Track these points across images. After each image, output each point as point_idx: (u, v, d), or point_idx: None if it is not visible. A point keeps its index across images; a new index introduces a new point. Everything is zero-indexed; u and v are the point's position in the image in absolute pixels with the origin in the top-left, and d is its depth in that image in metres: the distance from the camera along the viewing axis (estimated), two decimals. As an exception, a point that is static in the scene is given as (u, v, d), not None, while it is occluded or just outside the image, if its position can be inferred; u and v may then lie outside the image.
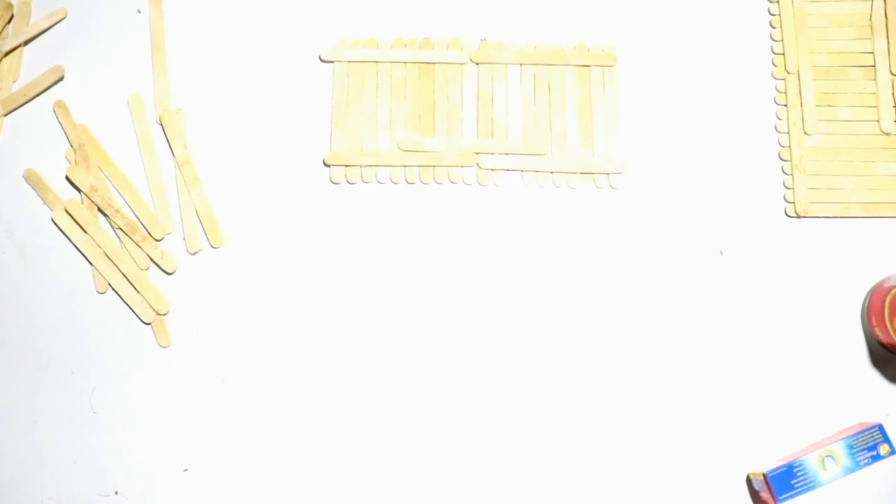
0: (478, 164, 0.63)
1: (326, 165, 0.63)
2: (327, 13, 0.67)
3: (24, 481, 0.59)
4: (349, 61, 0.65)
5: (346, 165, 0.63)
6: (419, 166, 0.63)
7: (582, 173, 0.64)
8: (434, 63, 0.64)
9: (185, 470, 0.60)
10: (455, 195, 0.64)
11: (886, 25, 0.66)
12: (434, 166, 0.63)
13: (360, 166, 0.63)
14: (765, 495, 0.57)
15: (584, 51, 0.65)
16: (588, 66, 0.65)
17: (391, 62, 0.64)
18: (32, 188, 0.63)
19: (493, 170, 0.64)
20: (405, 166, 0.63)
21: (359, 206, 0.63)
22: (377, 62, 0.65)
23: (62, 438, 0.60)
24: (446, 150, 0.64)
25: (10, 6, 0.65)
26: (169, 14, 0.66)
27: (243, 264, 0.62)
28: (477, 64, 0.65)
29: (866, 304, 0.62)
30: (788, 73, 0.66)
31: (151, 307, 0.61)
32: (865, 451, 0.57)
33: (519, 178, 0.64)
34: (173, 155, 0.64)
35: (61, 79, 0.65)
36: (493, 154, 0.64)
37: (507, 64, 0.65)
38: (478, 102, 0.64)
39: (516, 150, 0.64)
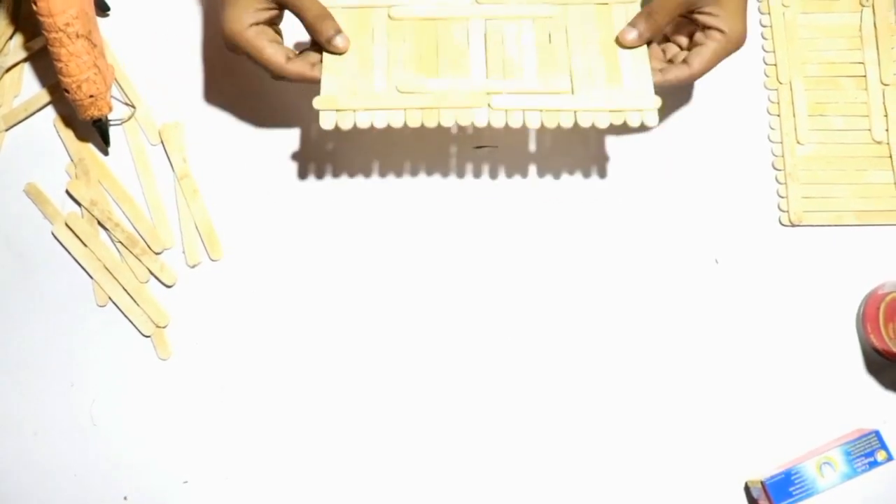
0: (489, 105, 0.56)
1: (315, 110, 0.57)
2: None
3: (24, 493, 0.59)
4: (344, 7, 0.59)
5: (338, 110, 0.56)
6: (422, 108, 0.56)
7: (611, 111, 0.56)
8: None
9: (185, 482, 0.60)
10: (453, 199, 0.64)
11: (876, 36, 0.67)
12: (439, 108, 0.56)
13: (354, 110, 0.56)
14: (763, 503, 0.57)
15: None
16: (608, 3, 0.60)
17: (388, 6, 0.59)
18: (33, 202, 0.64)
19: (507, 110, 0.56)
20: (405, 109, 0.56)
21: (359, 218, 0.64)
22: (373, 7, 0.60)
23: (62, 450, 0.60)
24: (452, 90, 0.57)
25: (12, 23, 0.66)
26: (165, 27, 0.67)
27: (242, 277, 0.63)
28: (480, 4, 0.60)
29: (861, 311, 0.62)
30: (781, 83, 0.67)
31: (151, 320, 0.61)
32: (863, 458, 0.57)
33: (538, 118, 0.56)
34: (172, 168, 0.64)
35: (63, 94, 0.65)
36: (506, 94, 0.57)
37: (517, 2, 0.60)
38: (486, 42, 0.58)
39: (534, 89, 0.57)
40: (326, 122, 0.56)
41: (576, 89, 0.57)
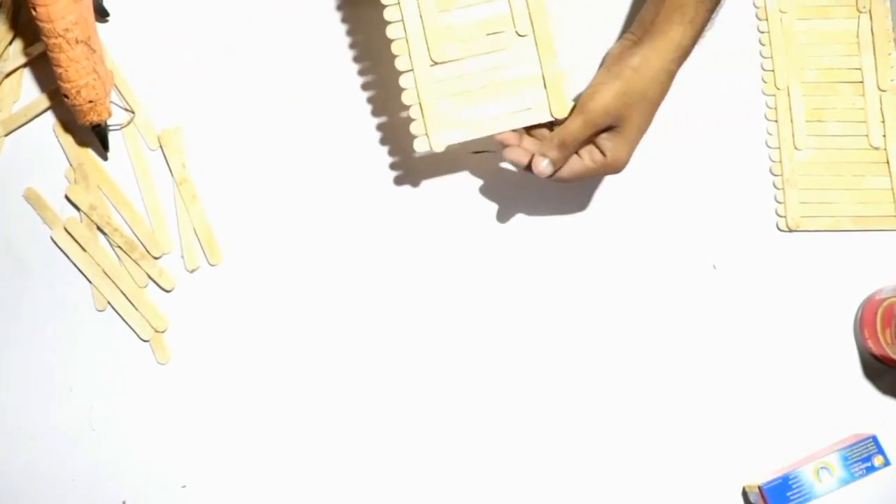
0: (400, 3, 0.56)
1: None
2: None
3: (23, 498, 0.59)
4: None
5: None
6: None
7: (420, 111, 0.57)
8: None
9: (184, 486, 0.60)
10: (452, 201, 0.64)
11: (873, 42, 0.67)
12: None
13: None
14: (761, 508, 0.58)
15: (555, 65, 0.58)
16: (542, 77, 0.58)
17: None
18: (32, 207, 0.64)
19: (397, 21, 0.56)
20: None
21: (358, 223, 0.64)
22: None
23: (61, 455, 0.60)
24: None
25: (12, 29, 0.66)
26: (165, 33, 0.67)
27: (241, 281, 0.63)
28: None
29: (859, 316, 0.63)
30: (778, 89, 0.67)
31: (150, 324, 0.62)
32: (860, 463, 0.57)
33: (398, 50, 0.56)
34: (171, 173, 0.64)
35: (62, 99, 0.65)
36: (416, 8, 0.56)
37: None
38: None
39: (433, 34, 0.56)
40: None
41: (439, 69, 0.56)
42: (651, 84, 0.54)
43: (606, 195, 0.65)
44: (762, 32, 0.68)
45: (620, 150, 0.55)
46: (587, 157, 0.56)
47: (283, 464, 0.60)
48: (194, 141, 0.65)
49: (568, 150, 0.56)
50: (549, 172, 0.56)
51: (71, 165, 0.65)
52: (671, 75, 0.55)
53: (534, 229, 0.64)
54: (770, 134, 0.66)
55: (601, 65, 0.57)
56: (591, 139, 0.56)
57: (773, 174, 0.66)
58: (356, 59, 0.66)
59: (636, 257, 0.64)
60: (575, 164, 0.56)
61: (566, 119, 0.56)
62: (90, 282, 0.62)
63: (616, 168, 0.56)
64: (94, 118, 0.61)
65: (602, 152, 0.56)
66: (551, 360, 0.62)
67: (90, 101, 0.60)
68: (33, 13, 0.57)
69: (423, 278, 0.63)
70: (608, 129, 0.55)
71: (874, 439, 0.57)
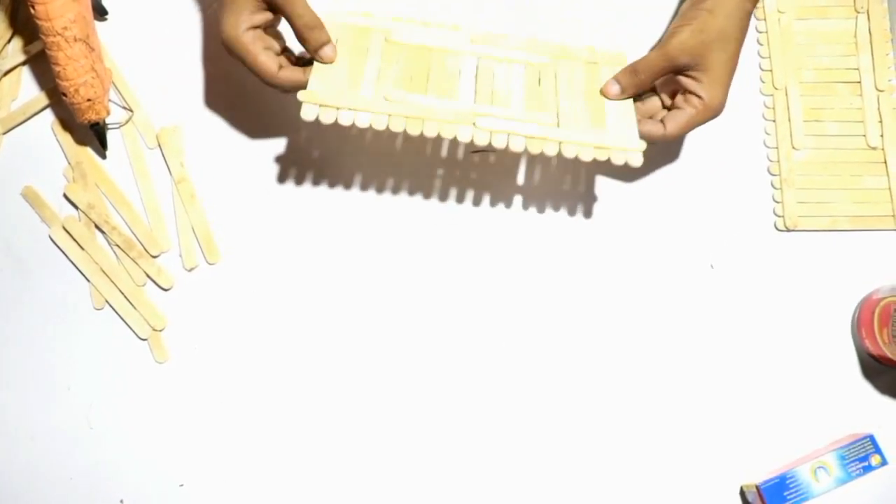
0: (474, 124, 0.56)
1: (298, 101, 0.56)
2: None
3: (21, 497, 0.59)
4: (344, 23, 0.60)
5: (322, 105, 0.55)
6: (406, 117, 0.56)
7: (595, 146, 0.57)
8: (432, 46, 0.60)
9: (181, 485, 0.60)
10: (452, 202, 0.64)
11: (871, 42, 0.67)
12: (423, 118, 0.56)
13: (338, 108, 0.55)
14: (758, 507, 0.58)
15: (593, 51, 0.62)
16: (597, 63, 0.62)
17: (386, 30, 0.60)
18: (31, 205, 0.64)
19: (492, 131, 0.56)
20: (390, 114, 0.56)
21: (357, 223, 0.64)
22: (372, 28, 0.60)
23: (59, 454, 0.60)
24: (439, 107, 0.57)
25: (10, 27, 0.66)
26: (163, 31, 0.67)
27: (239, 280, 0.63)
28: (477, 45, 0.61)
29: (856, 316, 0.63)
30: (776, 89, 0.67)
31: (148, 323, 0.62)
32: (857, 462, 0.57)
33: (521, 143, 0.56)
34: (170, 172, 0.64)
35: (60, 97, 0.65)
36: (493, 116, 0.57)
37: (511, 48, 0.61)
38: (476, 75, 0.59)
39: (520, 118, 0.57)
40: (308, 114, 0.55)
41: (561, 124, 0.58)
42: (727, 22, 0.56)
43: (604, 194, 0.65)
44: (760, 32, 0.68)
45: (714, 90, 0.57)
46: (686, 106, 0.58)
47: (281, 463, 0.60)
48: (193, 140, 0.65)
49: (638, 77, 0.58)
50: (618, 96, 0.59)
51: (69, 164, 0.64)
52: (747, 14, 0.57)
53: (532, 228, 0.64)
54: (768, 134, 0.66)
55: (674, 14, 0.57)
56: (669, 77, 0.58)
57: (770, 174, 0.66)
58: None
59: (634, 256, 0.64)
60: (678, 116, 0.58)
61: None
62: (88, 280, 0.62)
63: (715, 110, 0.58)
64: (92, 116, 0.61)
65: (697, 96, 0.57)
66: (549, 360, 0.62)
67: (88, 100, 0.60)
68: (32, 11, 0.57)
69: (422, 277, 0.63)
70: (690, 70, 0.57)
71: (871, 439, 0.58)
